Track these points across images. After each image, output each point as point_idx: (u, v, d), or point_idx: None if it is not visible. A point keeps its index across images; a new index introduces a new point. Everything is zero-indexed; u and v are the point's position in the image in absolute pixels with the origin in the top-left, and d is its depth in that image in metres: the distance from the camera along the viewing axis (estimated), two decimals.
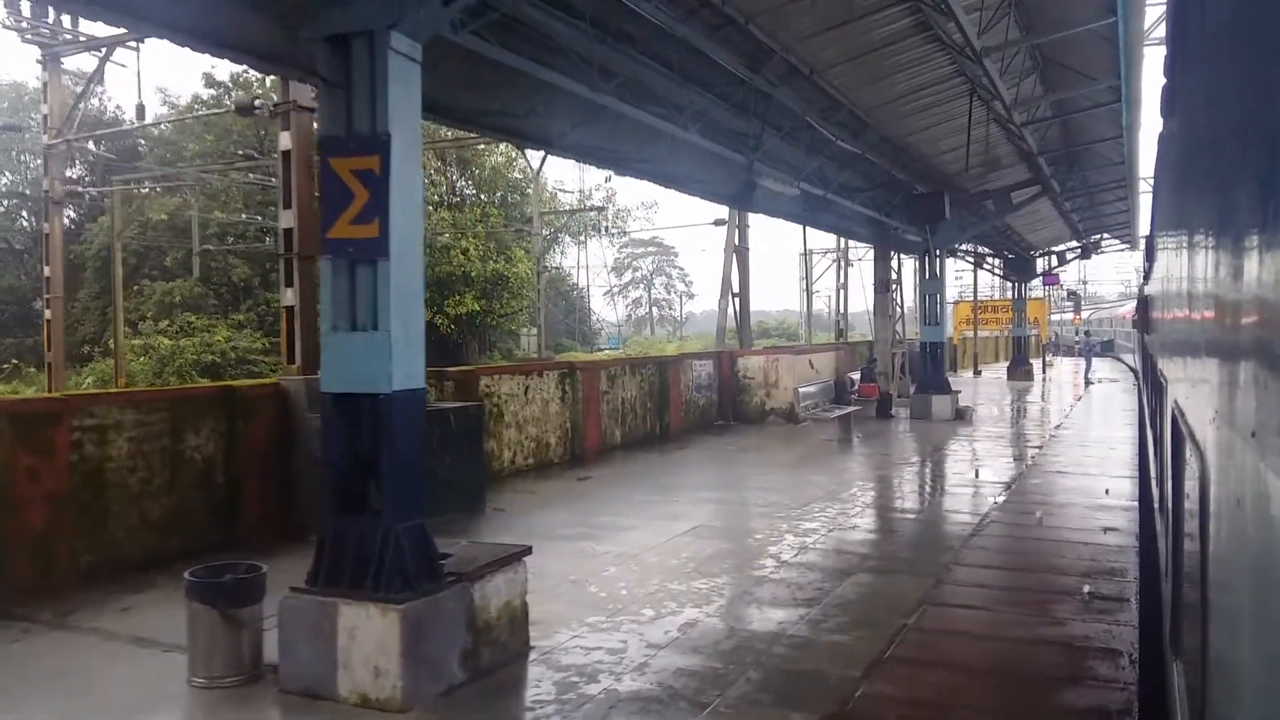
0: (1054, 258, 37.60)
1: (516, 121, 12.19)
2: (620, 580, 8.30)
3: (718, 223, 28.90)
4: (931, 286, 22.19)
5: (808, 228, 25.70)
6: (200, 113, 43.60)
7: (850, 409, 19.32)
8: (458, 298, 50.74)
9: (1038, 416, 23.91)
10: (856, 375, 23.38)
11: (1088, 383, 34.77)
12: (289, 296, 13.14)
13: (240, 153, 38.69)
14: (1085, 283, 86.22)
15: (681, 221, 61.28)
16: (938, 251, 21.88)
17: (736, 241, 27.90)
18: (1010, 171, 21.09)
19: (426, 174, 52.46)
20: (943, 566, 8.78)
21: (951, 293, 64.90)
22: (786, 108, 12.36)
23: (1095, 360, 39.34)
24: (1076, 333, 57.32)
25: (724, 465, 15.47)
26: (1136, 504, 11.80)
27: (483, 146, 52.50)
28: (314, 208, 14.02)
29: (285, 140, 13.01)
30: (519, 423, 14.26)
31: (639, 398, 17.62)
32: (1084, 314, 66.57)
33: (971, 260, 38.42)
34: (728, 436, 19.00)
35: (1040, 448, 17.42)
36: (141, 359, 36.47)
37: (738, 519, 11.05)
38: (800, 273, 75.41)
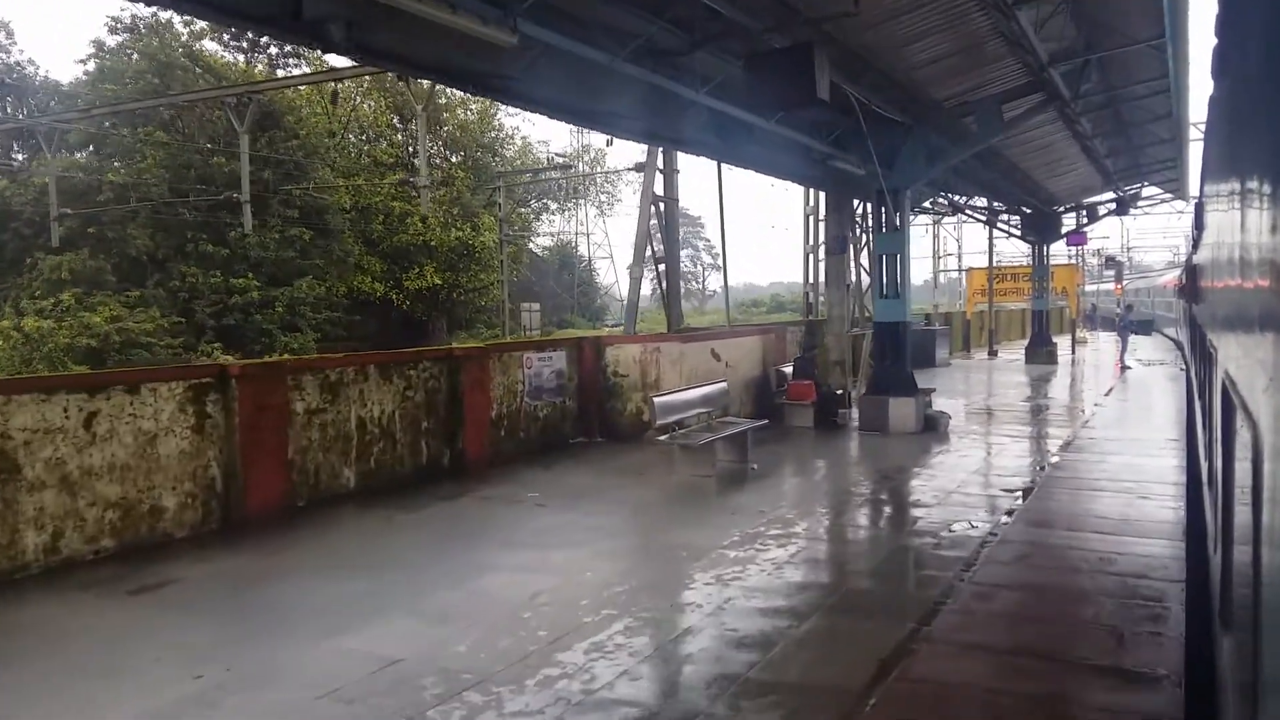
0: (1083, 214, 30.23)
1: None
2: None
3: (637, 168, 22.17)
4: (888, 243, 15.33)
5: (743, 169, 18.76)
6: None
7: (748, 424, 12.66)
8: (417, 270, 44.63)
9: (1046, 423, 17.01)
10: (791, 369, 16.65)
11: (1123, 367, 27.59)
12: None
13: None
14: (1129, 249, 77.73)
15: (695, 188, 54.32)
16: (894, 192, 15.00)
17: (660, 189, 21.24)
18: (998, 72, 14.14)
19: (380, 130, 46.21)
20: None
21: (975, 260, 57.15)
22: None
23: (1134, 337, 32.09)
24: (1118, 304, 49.60)
25: (477, 539, 8.95)
26: (1180, 680, 5.30)
27: (449, 99, 46.24)
28: None
29: None
30: (69, 479, 7.87)
31: (402, 413, 11.15)
32: (1126, 283, 58.48)
33: (984, 218, 31.18)
34: (560, 468, 12.46)
35: (1028, 492, 10.67)
36: (1, 343, 30.76)
37: None
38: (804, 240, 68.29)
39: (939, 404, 17.88)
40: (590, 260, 79.20)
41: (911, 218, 39.68)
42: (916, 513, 9.90)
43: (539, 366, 13.48)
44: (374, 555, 8.29)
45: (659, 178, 21.29)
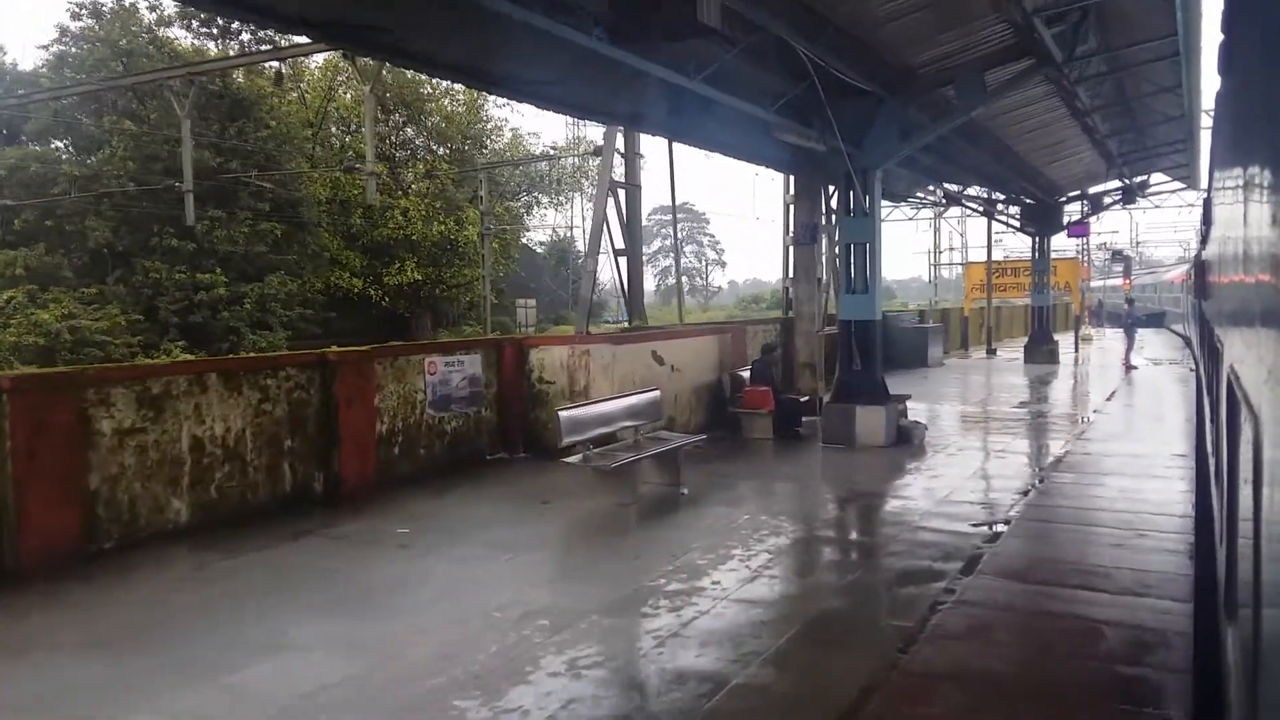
0: (1087, 204, 28.16)
1: None
2: None
3: (596, 152, 20.21)
4: (856, 231, 13.39)
5: (703, 150, 16.76)
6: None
7: (682, 440, 10.78)
8: (398, 266, 42.80)
9: (1038, 433, 15.04)
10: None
11: (1129, 367, 25.54)
12: None
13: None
14: (1139, 244, 75.32)
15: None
16: (863, 173, 13.06)
17: (620, 174, 19.38)
18: (980, 32, 12.18)
19: (361, 120, 44.25)
20: None
21: (983, 255, 54.92)
22: None
23: (1141, 333, 30.02)
24: (1126, 300, 47.36)
25: (289, 599, 7.07)
26: None
27: (433, 89, 44.37)
28: None
29: None
30: None
31: (255, 431, 9.29)
32: (1134, 279, 56.08)
33: (981, 209, 29.14)
34: (458, 494, 10.58)
35: (1003, 528, 8.73)
36: None
37: None
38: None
39: (919, 411, 15.96)
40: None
41: (905, 208, 37.42)
42: (861, 558, 7.99)
43: (446, 372, 11.61)
44: (144, 622, 6.42)
45: (621, 163, 19.43)
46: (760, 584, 7.26)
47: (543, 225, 67.20)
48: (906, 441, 13.42)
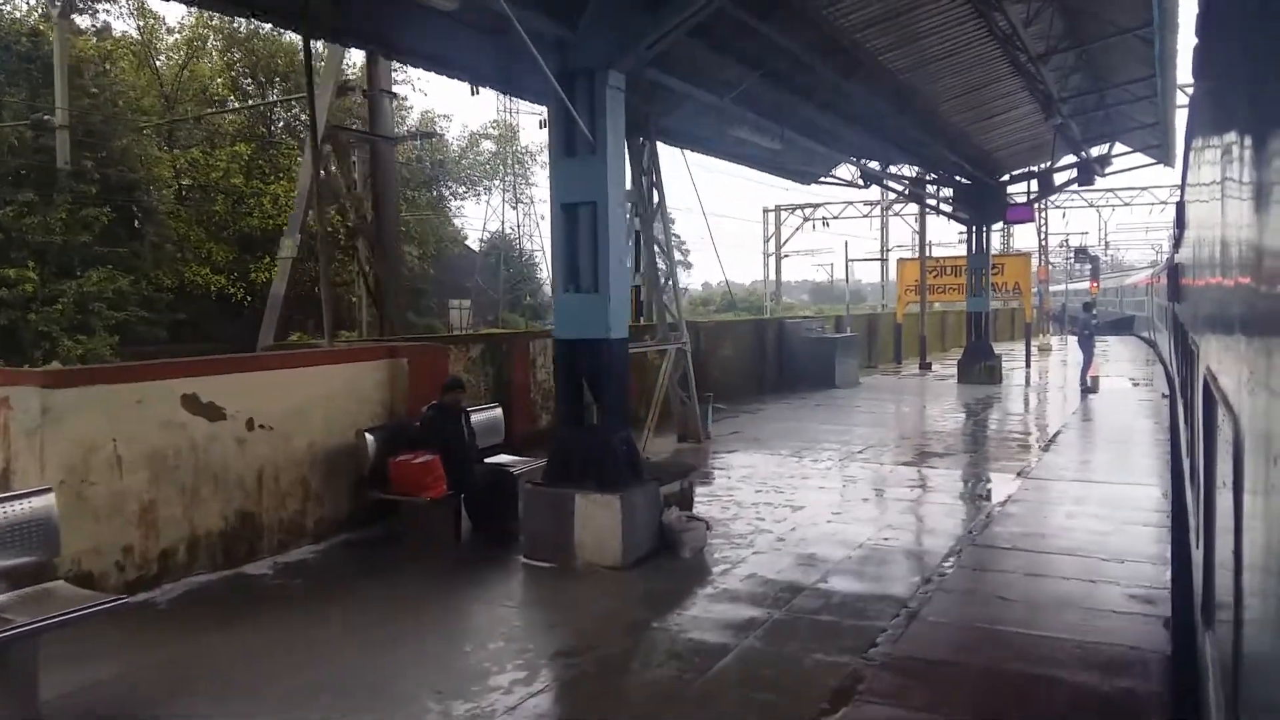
0: (1035, 184, 22.24)
1: None
2: None
3: (341, 91, 14.06)
4: (574, 182, 7.37)
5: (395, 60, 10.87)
6: None
7: (38, 624, 4.70)
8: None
9: (912, 530, 8.99)
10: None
11: (1085, 390, 19.68)
12: None
13: None
14: (1107, 245, 69.73)
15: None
16: (585, 75, 7.05)
17: (366, 125, 13.48)
18: None
19: (220, 94, 37.94)
20: None
21: (943, 252, 48.97)
22: None
23: (1102, 344, 24.19)
24: (1083, 306, 41.67)
25: None
26: None
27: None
28: None
29: None
30: None
31: None
32: (1102, 282, 50.33)
33: (904, 189, 23.17)
34: None
35: None
36: None
37: None
38: (766, 234, 60.47)
39: (760, 466, 10.01)
40: (525, 254, 71.00)
41: (859, 204, 31.47)
42: None
43: None
44: None
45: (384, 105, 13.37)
46: None
47: (485, 220, 60.94)
48: (672, 552, 7.43)
